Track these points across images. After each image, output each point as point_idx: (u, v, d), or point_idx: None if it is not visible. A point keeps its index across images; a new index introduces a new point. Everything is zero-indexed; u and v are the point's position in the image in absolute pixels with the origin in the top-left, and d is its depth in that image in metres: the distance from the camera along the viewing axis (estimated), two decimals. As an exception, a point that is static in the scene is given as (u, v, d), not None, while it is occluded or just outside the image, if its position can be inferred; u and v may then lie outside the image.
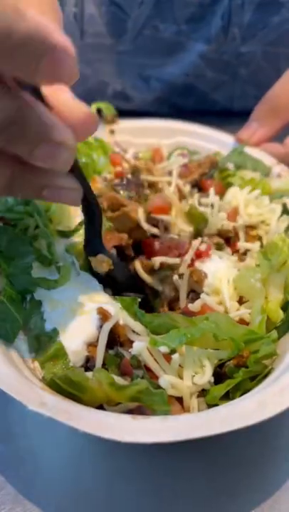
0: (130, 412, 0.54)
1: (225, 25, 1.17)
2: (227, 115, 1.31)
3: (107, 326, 0.58)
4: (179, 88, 1.27)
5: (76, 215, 0.72)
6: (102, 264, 0.63)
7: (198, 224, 0.77)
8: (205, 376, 0.57)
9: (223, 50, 1.21)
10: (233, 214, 0.80)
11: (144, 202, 0.78)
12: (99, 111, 0.99)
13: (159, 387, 0.54)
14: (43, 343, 0.58)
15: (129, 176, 0.84)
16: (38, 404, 0.46)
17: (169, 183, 0.85)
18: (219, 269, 0.68)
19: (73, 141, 0.45)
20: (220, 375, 0.60)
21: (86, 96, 1.25)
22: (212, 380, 0.58)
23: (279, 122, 0.94)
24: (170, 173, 0.88)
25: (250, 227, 0.79)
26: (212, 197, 0.79)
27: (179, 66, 1.24)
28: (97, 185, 0.79)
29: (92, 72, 1.26)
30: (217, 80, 1.26)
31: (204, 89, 1.28)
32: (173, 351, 0.57)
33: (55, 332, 0.58)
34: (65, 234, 0.67)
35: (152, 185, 0.85)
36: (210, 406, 0.58)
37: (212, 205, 0.78)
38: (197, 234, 0.78)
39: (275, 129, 0.94)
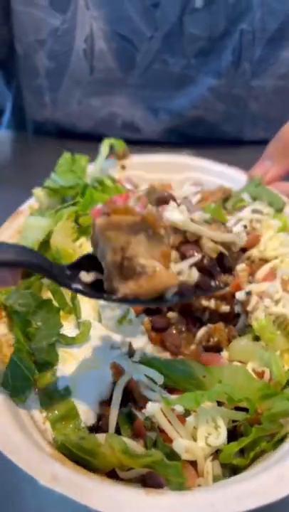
0: (143, 477, 0.53)
1: (235, 60, 1.17)
2: (236, 144, 1.31)
3: (121, 384, 0.57)
4: (188, 120, 1.27)
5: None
6: None
7: None
8: (220, 438, 0.55)
9: (234, 84, 1.21)
10: (253, 240, 0.78)
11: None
12: (111, 147, 0.99)
13: (172, 450, 0.53)
14: (55, 402, 0.57)
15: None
16: (49, 478, 0.45)
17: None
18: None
19: None
20: (233, 431, 0.59)
21: (95, 127, 1.29)
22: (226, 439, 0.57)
23: None
24: (185, 199, 0.89)
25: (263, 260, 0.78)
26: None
27: (188, 98, 1.24)
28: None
29: (102, 104, 1.26)
30: (227, 113, 1.26)
31: (213, 121, 1.28)
32: (187, 412, 0.56)
33: (67, 390, 0.57)
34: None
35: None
36: (224, 466, 0.57)
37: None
38: None
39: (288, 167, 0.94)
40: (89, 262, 0.53)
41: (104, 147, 0.97)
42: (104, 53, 1.18)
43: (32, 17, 1.15)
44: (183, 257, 0.53)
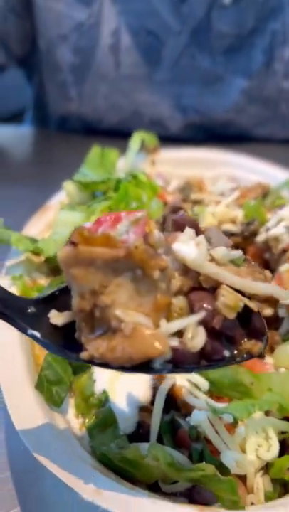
0: (188, 491, 0.49)
1: (267, 60, 1.15)
2: (265, 141, 1.27)
3: (164, 390, 0.53)
4: (218, 122, 1.24)
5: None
6: None
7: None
8: (272, 450, 0.51)
9: (265, 86, 1.18)
10: None
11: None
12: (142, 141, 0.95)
13: (221, 463, 0.49)
14: (92, 407, 0.53)
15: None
16: (92, 492, 0.41)
17: (217, 202, 0.84)
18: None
19: None
20: (283, 442, 0.54)
21: (122, 124, 1.25)
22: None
23: None
24: (222, 195, 0.87)
25: None
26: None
27: (217, 100, 1.20)
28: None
29: (128, 102, 1.23)
30: (258, 116, 1.23)
31: (244, 124, 1.24)
32: (236, 421, 0.51)
33: (104, 394, 0.53)
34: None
35: (198, 203, 0.86)
36: (274, 481, 0.52)
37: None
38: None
39: None
40: (68, 295, 0.39)
41: (135, 141, 0.93)
42: (131, 48, 1.15)
43: (54, 11, 1.13)
44: (192, 308, 0.38)
